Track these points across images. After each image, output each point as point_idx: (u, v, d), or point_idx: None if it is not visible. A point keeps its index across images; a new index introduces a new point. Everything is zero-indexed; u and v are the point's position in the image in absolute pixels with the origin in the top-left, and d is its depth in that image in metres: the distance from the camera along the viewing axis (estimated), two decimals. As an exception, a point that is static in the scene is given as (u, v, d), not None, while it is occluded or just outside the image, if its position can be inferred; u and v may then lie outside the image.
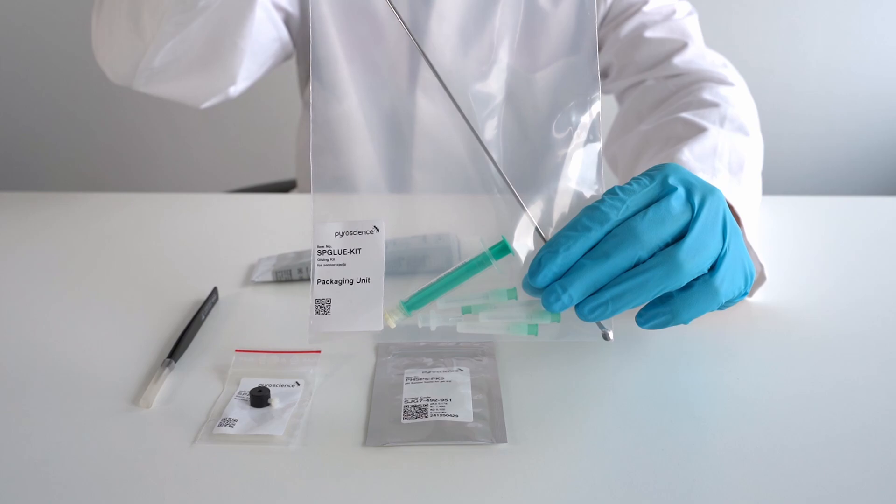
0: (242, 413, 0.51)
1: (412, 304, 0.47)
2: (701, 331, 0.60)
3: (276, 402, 0.52)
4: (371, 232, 0.49)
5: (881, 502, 0.44)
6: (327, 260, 0.48)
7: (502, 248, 0.48)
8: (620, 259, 0.48)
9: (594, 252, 0.49)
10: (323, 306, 0.47)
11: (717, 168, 0.68)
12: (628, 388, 0.54)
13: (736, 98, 0.82)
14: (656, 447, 0.48)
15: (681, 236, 0.49)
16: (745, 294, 0.54)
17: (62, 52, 1.84)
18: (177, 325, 0.63)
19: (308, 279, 0.71)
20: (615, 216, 0.49)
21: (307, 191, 1.12)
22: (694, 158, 0.68)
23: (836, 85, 1.85)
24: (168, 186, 1.98)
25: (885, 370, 0.57)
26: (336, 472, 0.47)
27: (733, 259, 0.51)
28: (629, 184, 0.51)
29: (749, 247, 0.63)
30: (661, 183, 0.50)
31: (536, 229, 0.51)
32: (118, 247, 0.78)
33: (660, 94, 0.88)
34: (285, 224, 0.84)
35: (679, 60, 0.88)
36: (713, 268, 0.50)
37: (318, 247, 0.49)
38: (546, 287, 0.49)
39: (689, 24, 0.94)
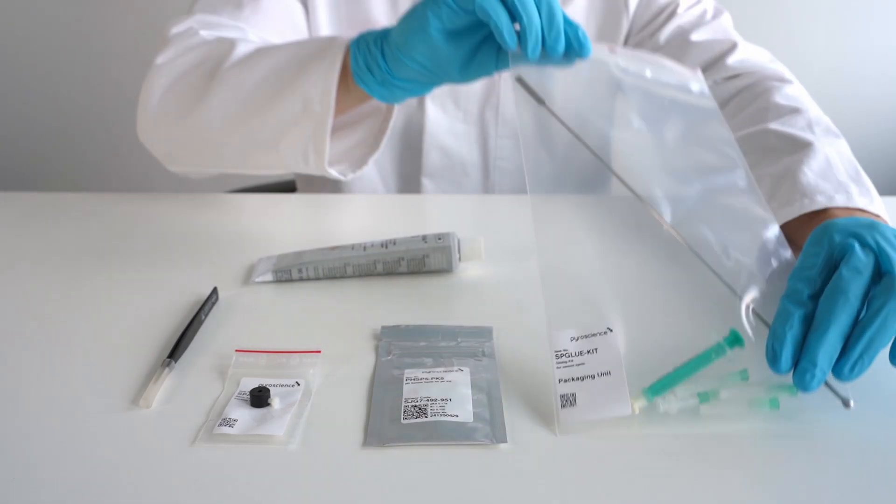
0: (242, 413, 0.51)
1: (654, 391, 0.49)
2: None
3: (276, 402, 0.52)
4: (605, 333, 0.52)
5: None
6: (566, 362, 0.50)
7: (734, 339, 0.50)
8: (844, 317, 0.49)
9: (817, 324, 0.50)
10: (568, 399, 0.49)
11: (842, 181, 0.67)
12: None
13: (804, 96, 0.83)
14: (655, 447, 0.48)
15: (877, 275, 0.51)
16: None
17: (62, 52, 1.84)
18: (177, 325, 0.63)
19: (307, 279, 0.71)
20: (811, 289, 0.51)
21: (306, 192, 1.12)
22: (816, 176, 0.68)
23: (835, 85, 1.85)
24: (168, 186, 1.98)
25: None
26: (336, 472, 0.47)
27: None
28: (803, 260, 0.54)
29: None
30: (829, 245, 0.53)
31: (756, 314, 0.53)
32: (118, 247, 0.78)
33: (721, 97, 0.88)
34: (285, 224, 0.84)
35: (732, 61, 0.89)
36: None
37: (556, 351, 0.51)
38: (795, 370, 0.50)
39: (728, 23, 0.94)
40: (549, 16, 0.61)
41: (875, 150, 1.90)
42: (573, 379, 0.49)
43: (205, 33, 0.83)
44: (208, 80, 0.77)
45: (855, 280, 0.50)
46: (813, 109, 0.80)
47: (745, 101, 0.85)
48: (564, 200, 0.64)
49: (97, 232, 0.82)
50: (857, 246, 0.52)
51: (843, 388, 0.49)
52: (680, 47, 0.92)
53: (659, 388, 0.49)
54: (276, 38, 0.89)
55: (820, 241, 0.54)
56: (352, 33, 0.95)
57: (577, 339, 0.52)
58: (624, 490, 0.45)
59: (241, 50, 0.78)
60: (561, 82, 0.64)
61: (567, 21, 0.63)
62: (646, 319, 0.54)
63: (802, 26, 1.81)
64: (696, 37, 0.91)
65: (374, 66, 0.70)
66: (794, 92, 0.83)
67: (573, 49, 0.62)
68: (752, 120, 0.81)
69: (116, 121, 1.90)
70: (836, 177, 0.68)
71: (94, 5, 1.78)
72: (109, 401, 0.53)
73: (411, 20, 0.65)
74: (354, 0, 0.94)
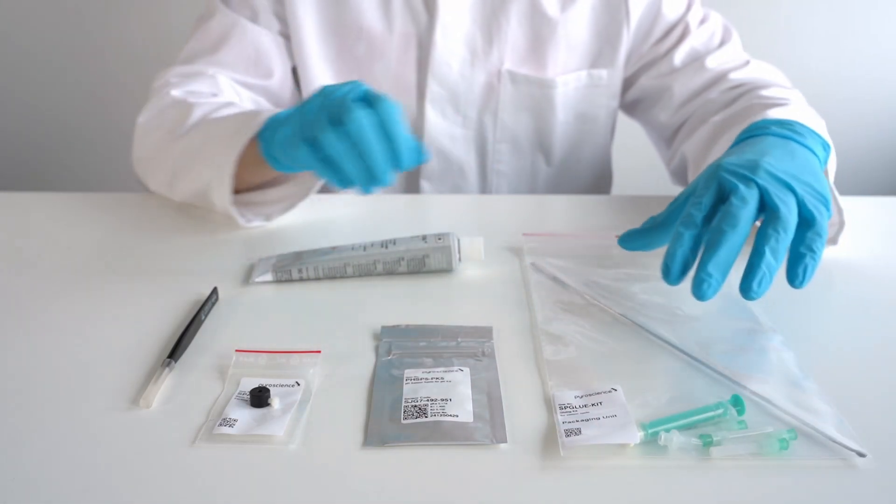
0: (242, 413, 0.51)
1: (654, 425, 0.49)
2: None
3: (276, 402, 0.52)
4: (609, 392, 0.53)
5: None
6: (570, 412, 0.51)
7: (736, 401, 0.51)
8: (734, 237, 0.56)
9: (711, 243, 0.56)
10: (573, 431, 0.49)
11: (804, 121, 0.72)
12: (628, 384, 0.54)
13: (797, 97, 0.87)
14: (655, 445, 0.48)
15: (763, 205, 0.59)
16: (830, 214, 0.61)
17: (62, 51, 1.84)
18: (177, 325, 0.63)
19: (307, 279, 0.71)
20: (703, 214, 0.59)
21: None
22: (784, 114, 0.75)
23: (835, 85, 1.85)
24: (168, 186, 1.97)
25: (885, 375, 0.57)
26: (336, 473, 0.47)
27: (810, 199, 0.59)
28: (697, 188, 0.61)
29: (833, 189, 0.73)
30: (720, 178, 0.60)
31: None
32: (118, 247, 0.78)
33: (723, 102, 0.92)
34: (285, 224, 0.84)
35: (738, 75, 0.93)
36: (802, 214, 0.59)
37: (560, 405, 0.52)
38: (693, 282, 0.56)
39: (738, 43, 0.98)
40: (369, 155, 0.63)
41: (875, 150, 1.90)
42: (578, 421, 0.50)
43: (175, 92, 0.89)
44: (167, 144, 0.86)
45: (743, 207, 0.57)
46: (803, 102, 0.85)
47: (744, 100, 0.88)
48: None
49: (97, 232, 0.82)
50: (739, 181, 0.59)
51: (855, 441, 0.48)
52: (696, 71, 0.95)
53: (659, 423, 0.49)
54: (252, 73, 0.95)
55: (713, 175, 0.61)
56: (343, 43, 0.96)
57: (582, 397, 0.53)
58: (624, 489, 0.45)
59: (196, 115, 0.85)
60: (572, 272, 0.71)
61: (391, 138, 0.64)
62: (649, 383, 0.55)
63: (802, 27, 1.81)
64: (711, 63, 0.95)
65: (277, 154, 0.73)
66: (786, 91, 0.87)
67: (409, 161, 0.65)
68: (740, 103, 0.86)
69: (116, 121, 1.90)
70: (799, 119, 0.74)
71: (95, 5, 1.78)
72: (109, 401, 0.53)
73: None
74: (344, 7, 0.94)
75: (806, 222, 0.59)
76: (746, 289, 0.56)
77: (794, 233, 0.58)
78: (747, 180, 0.59)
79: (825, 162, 0.69)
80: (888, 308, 0.67)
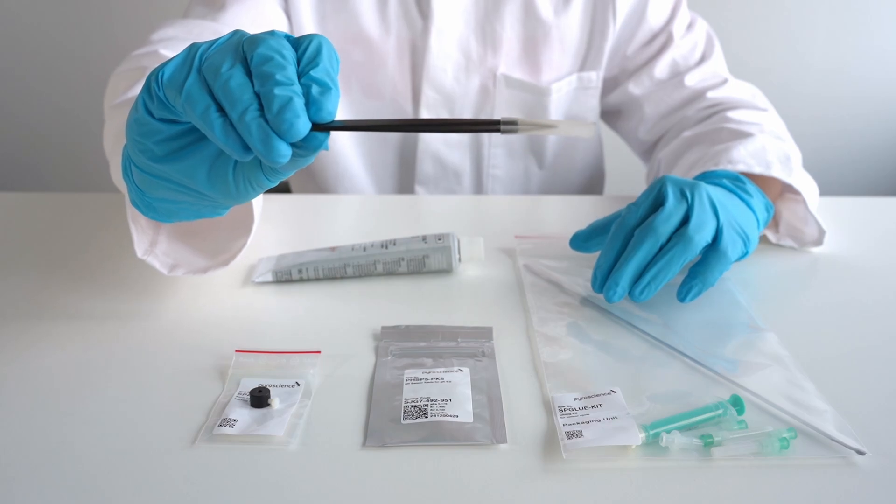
0: (242, 413, 0.51)
1: (654, 427, 0.49)
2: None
3: (276, 402, 0.52)
4: (609, 394, 0.53)
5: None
6: (569, 414, 0.51)
7: (735, 401, 0.51)
8: (648, 247, 0.61)
9: (627, 253, 0.62)
10: (574, 434, 0.49)
11: (770, 161, 0.76)
12: (627, 386, 0.54)
13: (770, 119, 0.88)
14: (657, 446, 0.48)
15: (685, 222, 0.62)
16: (747, 254, 0.66)
17: (63, 51, 1.84)
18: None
19: (307, 279, 0.71)
20: (636, 222, 0.64)
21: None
22: (748, 155, 0.77)
23: (835, 85, 1.85)
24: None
25: (882, 374, 0.57)
26: (336, 473, 0.47)
27: (729, 229, 0.63)
28: (638, 199, 0.65)
29: (812, 216, 0.76)
30: (659, 189, 0.64)
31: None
32: (118, 247, 0.78)
33: (697, 119, 0.93)
34: (285, 224, 0.84)
35: (714, 94, 0.93)
36: (716, 240, 0.62)
37: (559, 407, 0.52)
38: (604, 288, 0.62)
39: (720, 59, 0.98)
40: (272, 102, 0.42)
41: (875, 150, 1.90)
42: (578, 423, 0.50)
43: (164, 51, 0.81)
44: (110, 110, 0.74)
45: (665, 223, 0.62)
46: (774, 125, 0.86)
47: (718, 120, 0.89)
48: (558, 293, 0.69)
49: (97, 232, 0.82)
50: (673, 196, 0.63)
51: (854, 439, 0.49)
52: (675, 88, 0.96)
53: (660, 424, 0.49)
54: None
55: (653, 187, 0.65)
56: (341, 47, 0.95)
57: (581, 399, 0.52)
58: (627, 491, 0.45)
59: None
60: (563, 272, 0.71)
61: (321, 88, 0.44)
62: (647, 384, 0.55)
63: (802, 26, 1.81)
64: (689, 81, 0.95)
65: (131, 188, 0.53)
66: (760, 115, 0.88)
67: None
68: (712, 124, 0.87)
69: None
70: (766, 157, 0.77)
71: (93, 5, 1.78)
72: (110, 400, 0.53)
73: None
74: (342, 11, 0.94)
75: (715, 249, 0.62)
76: (631, 292, 0.61)
77: (695, 253, 0.61)
78: (681, 196, 0.63)
79: (764, 223, 0.71)
80: (887, 307, 0.67)
